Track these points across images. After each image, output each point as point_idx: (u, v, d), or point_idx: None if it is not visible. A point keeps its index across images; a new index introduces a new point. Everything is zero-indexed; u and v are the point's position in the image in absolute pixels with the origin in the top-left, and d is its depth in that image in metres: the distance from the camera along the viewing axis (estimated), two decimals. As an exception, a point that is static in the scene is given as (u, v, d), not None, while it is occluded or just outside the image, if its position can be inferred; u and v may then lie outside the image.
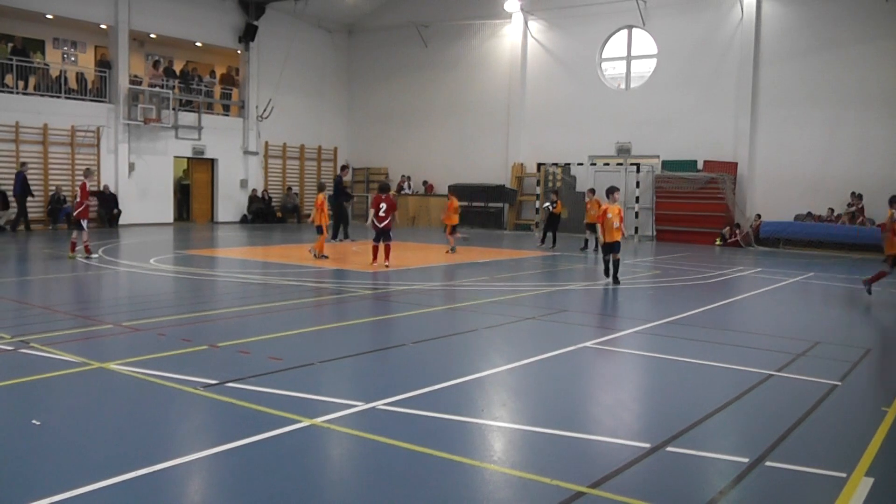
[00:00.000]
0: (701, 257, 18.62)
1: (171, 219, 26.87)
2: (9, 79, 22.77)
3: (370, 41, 32.35)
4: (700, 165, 23.78)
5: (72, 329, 8.11)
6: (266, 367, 6.47)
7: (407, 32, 30.50)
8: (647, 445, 4.69)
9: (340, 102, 33.03)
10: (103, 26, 24.86)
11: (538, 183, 26.56)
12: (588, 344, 7.86)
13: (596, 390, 6.30)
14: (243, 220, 28.82)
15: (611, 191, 13.00)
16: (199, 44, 28.37)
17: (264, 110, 28.96)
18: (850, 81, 21.98)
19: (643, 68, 26.31)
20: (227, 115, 29.20)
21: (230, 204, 28.77)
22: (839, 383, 6.40)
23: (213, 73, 29.87)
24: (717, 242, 22.68)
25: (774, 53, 23.25)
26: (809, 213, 22.41)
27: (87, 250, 14.86)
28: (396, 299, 10.74)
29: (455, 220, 17.76)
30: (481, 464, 4.35)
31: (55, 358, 6.58)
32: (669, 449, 4.65)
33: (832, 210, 21.92)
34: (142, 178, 25.56)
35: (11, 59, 22.71)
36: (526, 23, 28.02)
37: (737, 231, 22.79)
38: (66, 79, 24.26)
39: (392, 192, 16.80)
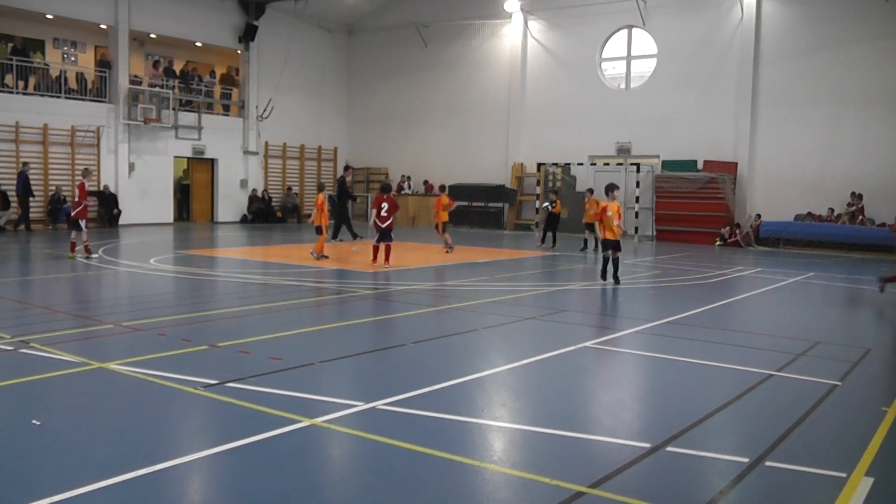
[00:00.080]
0: (701, 257, 18.62)
1: (171, 219, 26.88)
2: (9, 79, 22.78)
3: (370, 41, 32.35)
4: (700, 165, 23.78)
5: (72, 329, 8.11)
6: (266, 367, 6.47)
7: (407, 32, 30.51)
8: (647, 445, 4.69)
9: (340, 102, 33.03)
10: (103, 26, 24.86)
11: (538, 183, 26.55)
12: (588, 344, 7.86)
13: (596, 390, 6.30)
14: (243, 220, 28.83)
15: (610, 188, 12.86)
16: (199, 44, 28.38)
17: (264, 110, 28.96)
18: (851, 81, 21.99)
19: (643, 68, 26.31)
20: (227, 115, 29.21)
21: (230, 204, 28.78)
22: (839, 383, 6.40)
23: (213, 73, 29.87)
24: (717, 242, 22.68)
25: (774, 53, 23.25)
26: (809, 213, 22.41)
27: (87, 250, 14.86)
28: (396, 299, 10.74)
29: (444, 217, 17.77)
30: (481, 464, 4.35)
31: (55, 358, 6.58)
32: (669, 449, 4.65)
33: (832, 210, 21.92)
34: (142, 178, 25.57)
35: (11, 59, 22.71)
36: (526, 23, 28.02)
37: (737, 231, 22.80)
38: (66, 79, 24.27)
39: (392, 193, 16.80)
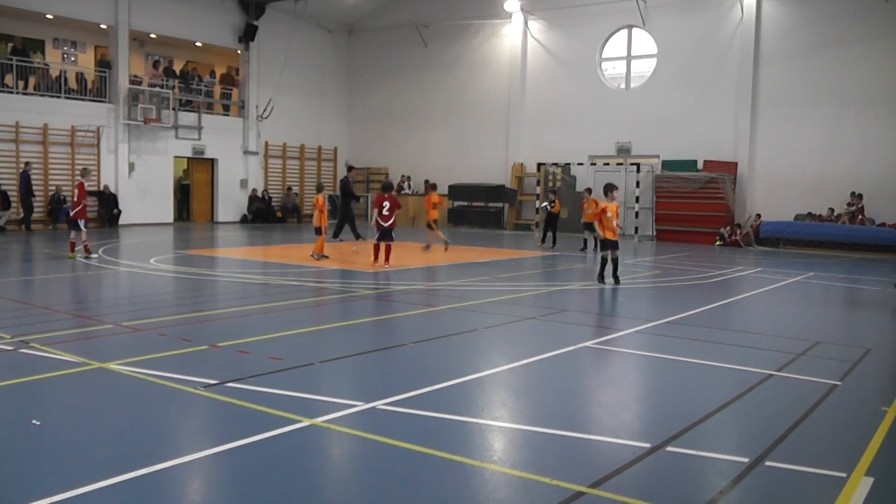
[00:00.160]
0: (701, 257, 18.62)
1: (171, 219, 26.88)
2: (9, 79, 22.78)
3: (370, 41, 32.35)
4: (700, 165, 23.78)
5: (72, 329, 8.11)
6: (266, 367, 6.47)
7: (407, 32, 30.51)
8: (647, 445, 4.69)
9: (340, 102, 33.03)
10: (103, 26, 24.86)
11: (538, 183, 26.56)
12: (588, 344, 7.86)
13: (596, 390, 6.30)
14: (243, 220, 28.83)
15: (609, 188, 12.76)
16: (199, 44, 28.38)
17: (264, 110, 28.96)
18: (851, 81, 21.99)
19: (643, 68, 26.32)
20: (227, 115, 29.21)
21: (230, 204, 28.78)
22: (839, 383, 6.40)
23: (213, 73, 29.87)
24: (717, 242, 22.68)
25: (774, 53, 23.25)
26: (809, 213, 22.41)
27: (87, 250, 14.85)
28: (396, 299, 10.74)
29: (434, 214, 17.83)
30: (481, 464, 4.35)
31: (55, 358, 6.58)
32: (669, 449, 4.65)
33: (832, 210, 21.92)
34: (142, 178, 25.57)
35: (11, 59, 22.71)
36: (526, 23, 28.02)
37: (737, 231, 22.80)
38: (66, 79, 24.27)
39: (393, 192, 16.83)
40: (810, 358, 7.44)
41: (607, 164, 25.62)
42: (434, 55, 30.40)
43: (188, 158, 27.74)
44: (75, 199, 14.83)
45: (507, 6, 27.82)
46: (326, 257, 15.30)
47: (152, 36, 27.04)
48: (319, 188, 16.06)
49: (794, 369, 6.90)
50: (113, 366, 6.34)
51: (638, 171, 24.27)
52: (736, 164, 23.58)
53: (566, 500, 3.86)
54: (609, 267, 12.54)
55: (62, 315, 8.92)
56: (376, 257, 14.31)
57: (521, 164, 28.15)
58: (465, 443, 4.75)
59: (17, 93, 22.83)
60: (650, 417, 5.55)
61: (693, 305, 10.63)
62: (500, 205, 28.05)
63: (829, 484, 4.19)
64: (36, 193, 22.46)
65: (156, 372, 6.12)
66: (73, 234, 14.93)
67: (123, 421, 5.07)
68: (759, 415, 5.56)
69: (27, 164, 22.10)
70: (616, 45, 26.61)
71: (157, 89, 25.65)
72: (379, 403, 5.39)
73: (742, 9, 23.56)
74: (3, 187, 22.12)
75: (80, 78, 24.89)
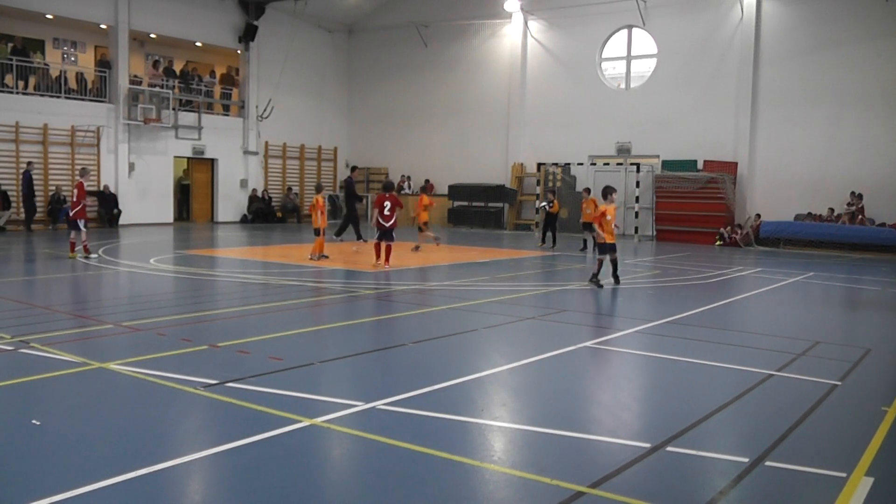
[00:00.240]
0: (701, 257, 18.61)
1: (171, 219, 26.88)
2: (9, 79, 22.78)
3: (370, 41, 32.35)
4: (700, 165, 23.78)
5: (72, 329, 8.11)
6: (266, 367, 6.47)
7: (407, 32, 30.51)
8: (647, 445, 4.69)
9: (340, 102, 33.03)
10: (103, 26, 24.86)
11: (538, 183, 26.56)
12: (588, 344, 7.86)
13: (596, 390, 6.30)
14: (243, 220, 28.83)
15: (608, 191, 12.62)
16: (199, 44, 28.38)
17: (264, 110, 28.96)
18: (851, 81, 21.99)
19: (643, 68, 26.31)
20: (227, 115, 29.21)
21: (230, 204, 28.78)
22: (839, 383, 6.40)
23: (213, 73, 29.87)
24: (717, 242, 22.68)
25: (774, 53, 23.26)
26: (809, 213, 22.41)
27: (87, 250, 14.85)
28: (396, 299, 10.74)
29: (424, 216, 17.94)
30: (481, 464, 4.35)
31: (55, 358, 6.58)
32: (669, 449, 4.65)
33: (832, 210, 21.92)
34: (142, 178, 25.57)
35: (11, 59, 22.71)
36: (526, 23, 28.02)
37: (737, 231, 22.79)
38: (66, 79, 24.27)
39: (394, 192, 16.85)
40: (810, 358, 7.44)
41: (607, 164, 25.63)
42: (434, 55, 30.39)
43: (188, 158, 27.74)
44: (75, 199, 14.82)
45: (507, 6, 27.82)
46: (326, 257, 15.29)
47: (152, 36, 27.04)
48: (319, 188, 16.07)
49: (794, 369, 6.90)
50: (113, 366, 6.34)
51: (638, 171, 24.27)
52: (736, 164, 23.58)
53: (566, 500, 3.86)
54: (608, 268, 12.49)
55: (62, 315, 8.92)
56: (378, 256, 14.30)
57: (521, 164, 28.15)
58: (465, 443, 4.75)
59: (17, 93, 22.83)
60: (650, 417, 5.55)
61: (693, 305, 10.63)
62: (500, 205, 28.04)
63: (829, 484, 4.19)
64: (36, 193, 22.45)
65: (156, 372, 6.12)
66: (72, 234, 14.93)
67: (123, 421, 5.07)
68: (759, 415, 5.56)
69: (29, 164, 22.10)
70: (616, 45, 26.60)
71: (157, 89, 25.65)
72: (379, 403, 5.39)
73: (742, 9, 23.57)
74: (3, 187, 22.12)
75: (80, 78, 24.88)
